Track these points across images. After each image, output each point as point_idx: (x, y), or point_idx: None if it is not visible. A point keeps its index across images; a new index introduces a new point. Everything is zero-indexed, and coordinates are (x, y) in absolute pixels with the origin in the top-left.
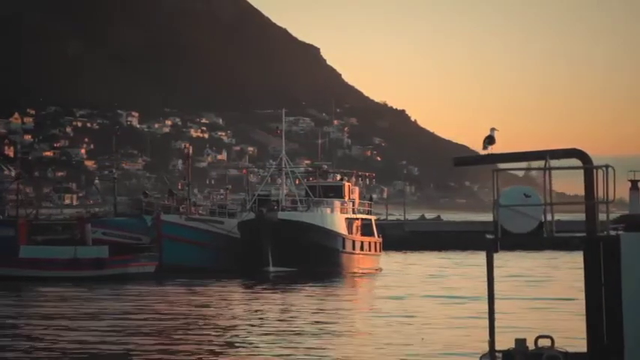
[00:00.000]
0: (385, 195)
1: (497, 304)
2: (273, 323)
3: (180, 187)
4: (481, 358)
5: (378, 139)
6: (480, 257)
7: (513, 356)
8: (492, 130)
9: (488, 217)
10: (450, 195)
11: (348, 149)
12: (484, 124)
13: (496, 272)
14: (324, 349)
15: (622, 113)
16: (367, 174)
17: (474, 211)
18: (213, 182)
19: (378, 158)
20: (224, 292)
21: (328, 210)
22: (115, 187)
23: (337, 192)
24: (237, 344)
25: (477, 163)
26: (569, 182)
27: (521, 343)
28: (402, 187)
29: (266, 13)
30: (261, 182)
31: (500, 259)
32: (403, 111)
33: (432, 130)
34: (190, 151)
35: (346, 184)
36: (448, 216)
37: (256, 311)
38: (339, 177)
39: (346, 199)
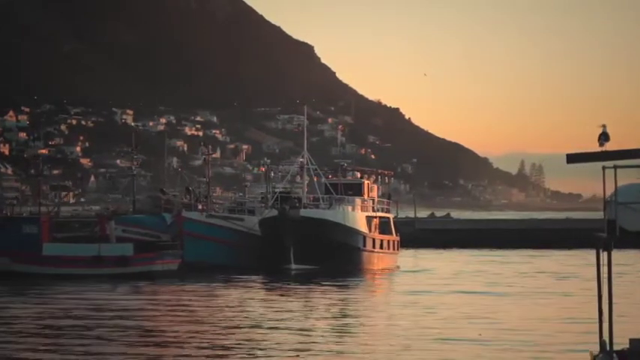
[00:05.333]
0: (379, 193)
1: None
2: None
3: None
4: (595, 357)
5: (372, 137)
6: (502, 254)
7: (628, 356)
8: (604, 126)
9: (493, 215)
10: (445, 193)
11: (342, 147)
12: (477, 122)
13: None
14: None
15: (622, 112)
16: (386, 172)
17: (471, 208)
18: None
19: (372, 156)
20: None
21: (350, 208)
22: (133, 184)
23: (357, 190)
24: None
25: (592, 159)
26: (563, 181)
27: (636, 343)
28: (397, 186)
29: (260, 10)
30: (256, 180)
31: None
32: (397, 109)
33: (425, 128)
34: (210, 150)
35: (365, 182)
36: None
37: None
38: (359, 175)
39: (366, 197)
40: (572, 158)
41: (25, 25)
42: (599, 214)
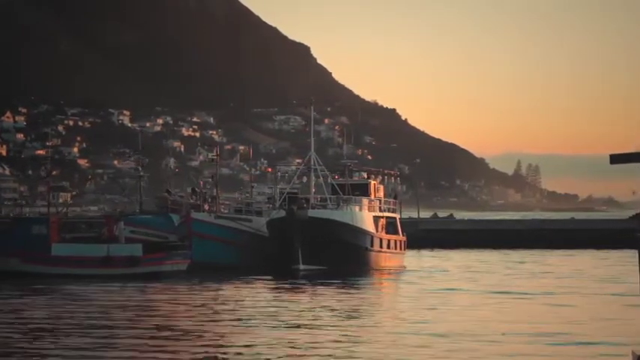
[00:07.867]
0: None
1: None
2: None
3: (201, 184)
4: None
5: (368, 138)
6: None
7: None
8: None
9: (498, 215)
10: (442, 194)
11: (339, 148)
12: (474, 122)
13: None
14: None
15: (618, 113)
16: (392, 172)
17: (469, 209)
18: (210, 180)
19: (369, 157)
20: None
21: (357, 208)
22: (139, 185)
23: (364, 190)
24: None
25: (637, 160)
26: (559, 182)
27: None
28: (394, 186)
29: (256, 11)
30: (253, 181)
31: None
32: (394, 110)
33: (422, 129)
34: (217, 151)
35: (372, 182)
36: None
37: None
38: (365, 175)
39: (372, 197)
40: (615, 159)
41: (24, 26)
42: (600, 215)
